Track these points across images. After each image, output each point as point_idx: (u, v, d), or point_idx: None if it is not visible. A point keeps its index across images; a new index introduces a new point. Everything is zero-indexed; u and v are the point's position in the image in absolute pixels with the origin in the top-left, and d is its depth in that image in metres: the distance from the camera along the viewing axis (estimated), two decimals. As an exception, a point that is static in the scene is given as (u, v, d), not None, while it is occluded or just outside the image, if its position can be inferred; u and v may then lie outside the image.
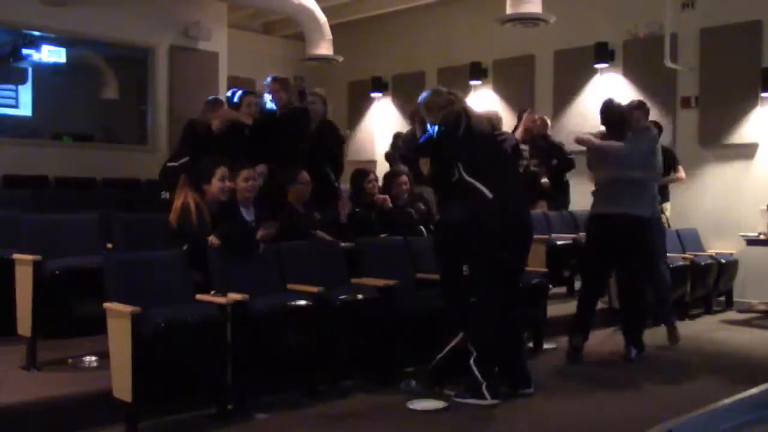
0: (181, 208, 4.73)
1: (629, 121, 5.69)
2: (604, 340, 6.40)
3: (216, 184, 4.84)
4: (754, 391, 4.88)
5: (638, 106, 5.96)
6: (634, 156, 5.49)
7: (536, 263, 6.03)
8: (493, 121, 4.86)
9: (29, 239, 4.86)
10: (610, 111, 5.65)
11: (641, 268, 5.67)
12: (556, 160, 8.09)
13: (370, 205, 6.12)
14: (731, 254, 7.98)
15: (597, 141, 5.60)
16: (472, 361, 4.45)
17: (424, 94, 4.79)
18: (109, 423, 3.91)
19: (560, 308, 6.99)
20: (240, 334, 4.15)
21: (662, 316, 6.44)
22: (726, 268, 7.85)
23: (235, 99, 6.31)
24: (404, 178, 6.17)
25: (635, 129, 5.68)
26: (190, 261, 4.52)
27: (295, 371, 4.64)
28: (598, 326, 6.81)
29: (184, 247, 4.60)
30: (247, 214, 5.05)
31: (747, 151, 8.24)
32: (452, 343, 4.69)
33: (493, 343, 4.51)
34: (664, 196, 7.64)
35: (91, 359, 4.66)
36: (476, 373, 4.43)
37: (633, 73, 9.06)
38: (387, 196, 6.19)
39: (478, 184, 4.51)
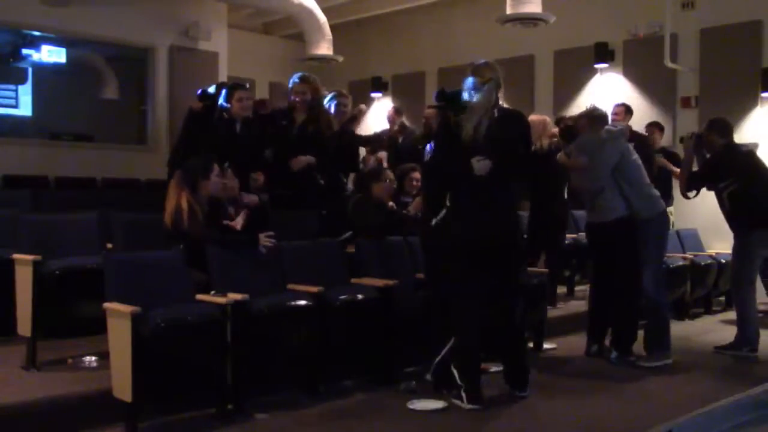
0: (175, 210, 4.75)
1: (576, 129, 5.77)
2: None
3: (214, 180, 4.89)
4: (754, 391, 4.88)
5: (583, 115, 5.82)
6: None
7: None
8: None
9: (29, 239, 4.86)
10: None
11: (626, 270, 5.51)
12: None
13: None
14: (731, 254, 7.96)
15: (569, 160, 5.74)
16: (453, 365, 4.47)
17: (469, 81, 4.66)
18: (109, 423, 3.91)
19: (560, 308, 7.01)
20: (240, 334, 4.15)
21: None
22: (726, 268, 7.82)
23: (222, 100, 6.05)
24: (417, 174, 6.19)
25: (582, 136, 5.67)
26: (189, 260, 4.53)
27: (295, 371, 4.64)
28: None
29: (180, 247, 4.62)
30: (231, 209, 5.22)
31: (747, 151, 8.23)
32: (447, 347, 4.65)
33: (471, 345, 4.46)
34: (669, 198, 7.61)
35: (91, 359, 4.66)
36: (456, 376, 4.43)
37: (633, 73, 9.06)
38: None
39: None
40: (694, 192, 5.98)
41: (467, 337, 4.46)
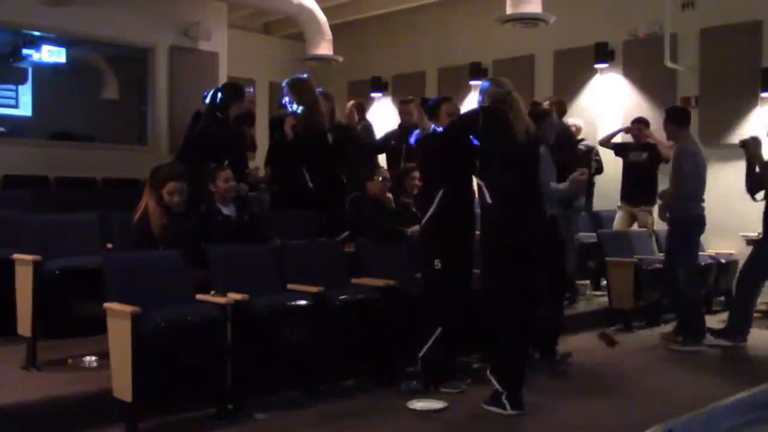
0: (141, 210, 4.82)
1: None
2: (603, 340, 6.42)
3: (165, 197, 4.85)
4: (754, 391, 4.88)
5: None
6: None
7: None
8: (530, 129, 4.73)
9: (29, 239, 4.87)
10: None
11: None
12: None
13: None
14: (731, 254, 7.97)
15: None
16: (488, 372, 4.45)
17: (485, 84, 4.79)
18: (109, 423, 3.91)
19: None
20: (240, 334, 4.15)
21: None
22: (726, 268, 7.84)
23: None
24: (417, 173, 6.19)
25: None
26: (192, 259, 4.55)
27: (295, 371, 4.64)
28: (598, 326, 6.84)
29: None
30: (227, 210, 5.20)
31: (747, 151, 8.22)
32: (430, 340, 4.72)
33: (511, 351, 4.43)
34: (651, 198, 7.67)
35: (91, 359, 4.67)
36: (494, 382, 4.39)
37: (633, 73, 9.05)
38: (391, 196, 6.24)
39: (483, 187, 4.51)
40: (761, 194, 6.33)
41: (511, 343, 4.42)
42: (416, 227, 5.58)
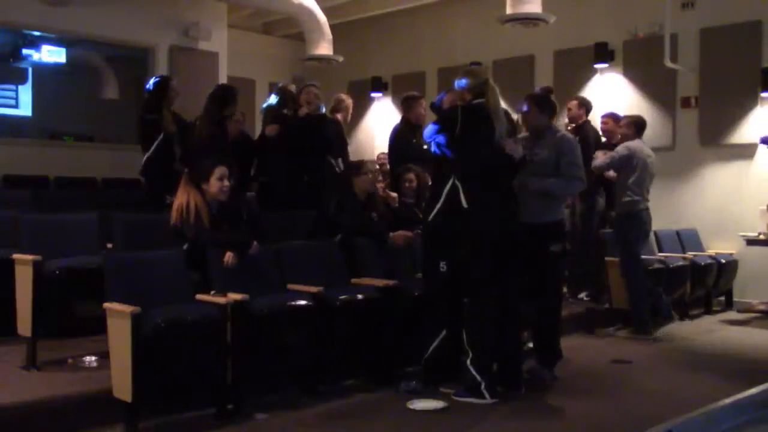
0: (181, 208, 4.71)
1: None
2: (605, 340, 6.42)
3: (215, 184, 4.81)
4: (754, 391, 4.87)
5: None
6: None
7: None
8: (513, 123, 4.78)
9: (29, 239, 4.87)
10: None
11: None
12: None
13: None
14: (731, 254, 7.98)
15: None
16: (468, 362, 4.46)
17: (461, 81, 4.78)
18: (109, 423, 3.91)
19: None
20: (240, 334, 4.15)
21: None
22: (726, 268, 7.85)
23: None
24: (410, 175, 6.19)
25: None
26: (190, 261, 4.52)
27: (295, 371, 4.64)
28: (599, 326, 6.84)
29: (184, 247, 4.60)
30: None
31: (747, 151, 8.23)
32: (435, 342, 4.72)
33: (490, 342, 4.51)
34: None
35: (91, 359, 4.66)
36: (474, 373, 4.44)
37: (633, 73, 9.05)
38: (395, 195, 6.24)
39: (460, 191, 4.53)
40: None
41: (488, 334, 4.49)
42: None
